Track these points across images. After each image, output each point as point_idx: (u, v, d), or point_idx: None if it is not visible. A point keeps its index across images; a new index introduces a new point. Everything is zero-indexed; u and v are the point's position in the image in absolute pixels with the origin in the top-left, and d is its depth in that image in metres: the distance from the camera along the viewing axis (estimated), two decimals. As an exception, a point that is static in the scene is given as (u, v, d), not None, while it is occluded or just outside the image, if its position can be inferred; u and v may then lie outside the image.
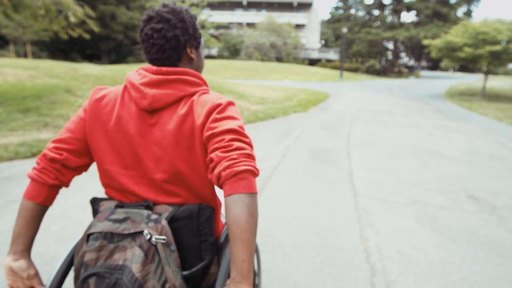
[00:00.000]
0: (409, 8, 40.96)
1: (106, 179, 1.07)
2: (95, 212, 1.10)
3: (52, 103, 6.92)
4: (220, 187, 0.90)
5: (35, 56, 29.64)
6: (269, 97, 12.17)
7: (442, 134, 7.75)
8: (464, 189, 4.15)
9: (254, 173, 0.90)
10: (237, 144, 0.92)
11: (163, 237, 0.93)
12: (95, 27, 7.76)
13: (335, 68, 39.10)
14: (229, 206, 0.86)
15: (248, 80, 20.33)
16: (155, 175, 1.01)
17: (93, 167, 1.13)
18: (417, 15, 41.64)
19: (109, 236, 0.94)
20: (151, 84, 1.00)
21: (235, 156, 0.89)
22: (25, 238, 0.99)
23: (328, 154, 5.42)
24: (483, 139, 7.41)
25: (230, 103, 1.03)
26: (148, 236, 0.91)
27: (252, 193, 0.87)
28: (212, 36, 44.80)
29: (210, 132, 0.94)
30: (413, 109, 12.17)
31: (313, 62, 44.63)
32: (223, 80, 15.07)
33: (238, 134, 0.95)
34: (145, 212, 0.98)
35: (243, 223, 0.83)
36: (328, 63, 42.05)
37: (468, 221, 3.29)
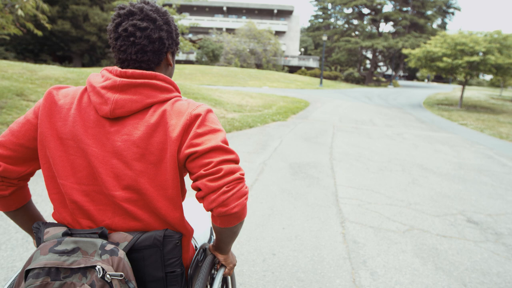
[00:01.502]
0: (387, 18, 41.63)
1: (56, 195, 0.94)
2: (38, 241, 0.93)
3: (-1, 108, 6.08)
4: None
5: (0, 57, 28.09)
6: (246, 104, 11.60)
7: (427, 145, 7.37)
8: (462, 211, 3.67)
9: (246, 204, 0.89)
10: (225, 167, 0.85)
11: (120, 273, 0.79)
12: (46, 24, 6.96)
13: (315, 75, 39.10)
14: (217, 231, 0.96)
15: (226, 87, 19.73)
16: (114, 192, 0.88)
17: None
18: (395, 25, 42.39)
19: (54, 272, 0.78)
20: (114, 88, 0.88)
21: (225, 189, 0.83)
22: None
23: (310, 170, 4.87)
24: (469, 151, 7.08)
25: (209, 111, 0.93)
26: (101, 273, 0.77)
27: (241, 221, 0.92)
28: (191, 41, 44.21)
29: (192, 150, 0.85)
30: (395, 119, 11.89)
31: (292, 70, 44.61)
32: (199, 86, 14.40)
33: (224, 152, 0.87)
34: (99, 241, 0.84)
35: (229, 241, 1.03)
36: (307, 71, 42.05)
37: (475, 254, 2.78)
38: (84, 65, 35.93)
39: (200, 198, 0.88)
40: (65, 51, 35.36)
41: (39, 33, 6.90)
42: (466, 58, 15.20)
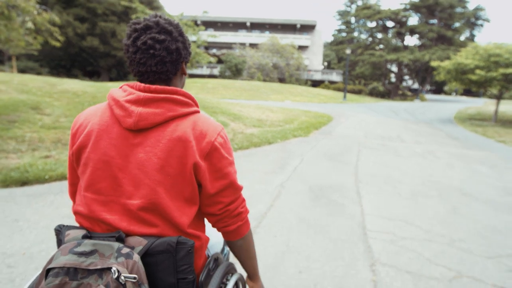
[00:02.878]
0: (412, 31, 40.61)
1: (77, 207, 1.00)
2: (59, 242, 0.98)
3: (10, 122, 5.92)
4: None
5: (34, 72, 29.14)
6: (267, 119, 11.18)
7: (464, 166, 6.66)
8: (518, 251, 3.04)
9: (244, 220, 1.09)
10: (232, 207, 1.03)
11: (134, 275, 0.82)
12: (59, 36, 6.85)
13: (338, 89, 38.41)
14: (228, 245, 1.12)
15: (248, 101, 19.45)
16: (131, 200, 0.93)
17: None
18: (421, 38, 41.26)
19: (73, 272, 0.82)
20: (138, 101, 0.94)
21: (227, 220, 1.04)
22: None
23: (333, 194, 4.34)
24: (513, 173, 6.32)
25: (225, 141, 1.02)
26: (116, 274, 0.80)
27: (243, 236, 1.09)
28: (214, 55, 44.66)
29: (209, 189, 0.98)
30: (424, 135, 11.13)
31: (316, 84, 44.06)
32: (219, 100, 14.14)
33: (234, 191, 1.04)
34: (116, 244, 0.87)
35: (246, 255, 1.14)
36: (331, 85, 41.40)
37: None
38: (111, 80, 36.82)
39: (210, 221, 1.08)
40: (94, 66, 36.46)
41: (57, 44, 6.78)
42: (502, 70, 14.23)
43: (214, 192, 0.98)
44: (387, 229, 3.34)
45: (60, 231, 0.98)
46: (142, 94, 0.93)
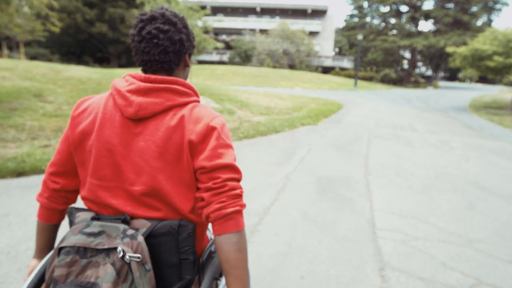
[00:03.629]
0: (427, 16, 39.40)
1: (84, 192, 1.03)
2: (71, 223, 1.04)
3: (11, 110, 5.81)
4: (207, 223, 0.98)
5: (45, 59, 29.20)
6: (275, 106, 10.92)
7: (480, 157, 6.36)
8: (541, 253, 2.80)
9: (241, 211, 0.95)
10: (230, 184, 0.94)
11: (138, 255, 0.87)
12: (57, 22, 6.64)
13: (349, 76, 37.68)
14: (219, 245, 0.92)
15: (257, 88, 19.15)
16: (134, 186, 0.96)
17: None
18: (436, 23, 40.04)
19: (82, 251, 0.87)
20: (138, 91, 0.96)
21: (224, 199, 0.92)
22: (48, 248, 1.14)
23: (341, 187, 4.12)
24: (533, 166, 6.00)
25: (223, 126, 1.01)
26: (121, 254, 0.85)
27: (239, 230, 0.93)
28: (224, 42, 44.13)
29: (204, 164, 0.94)
30: (438, 124, 10.76)
31: (326, 70, 43.30)
32: (227, 87, 13.88)
33: (233, 171, 0.96)
34: (122, 226, 0.92)
35: (232, 260, 0.91)
36: (341, 72, 40.64)
37: None
38: (121, 66, 36.69)
39: (200, 208, 0.96)
40: (103, 52, 36.31)
41: (56, 30, 6.58)
42: (521, 57, 13.66)
43: (210, 168, 0.94)
44: (398, 227, 3.13)
45: (71, 213, 1.03)
46: (142, 84, 0.96)
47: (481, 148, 7.27)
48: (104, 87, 8.25)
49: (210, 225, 1.24)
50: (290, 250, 2.60)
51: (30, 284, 0.98)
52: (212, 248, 1.15)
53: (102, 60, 37.74)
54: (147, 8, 11.57)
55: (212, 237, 1.20)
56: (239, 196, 0.95)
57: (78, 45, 33.98)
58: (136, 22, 1.01)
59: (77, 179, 1.07)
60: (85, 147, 1.00)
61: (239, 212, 0.94)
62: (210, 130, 0.96)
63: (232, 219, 0.91)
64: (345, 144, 6.66)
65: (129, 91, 0.96)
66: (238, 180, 0.97)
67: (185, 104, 0.99)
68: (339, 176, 4.55)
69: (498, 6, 39.58)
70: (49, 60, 29.24)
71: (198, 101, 1.05)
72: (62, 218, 1.14)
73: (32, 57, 27.98)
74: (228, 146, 0.99)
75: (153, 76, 0.98)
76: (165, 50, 0.99)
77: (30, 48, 31.09)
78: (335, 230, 2.97)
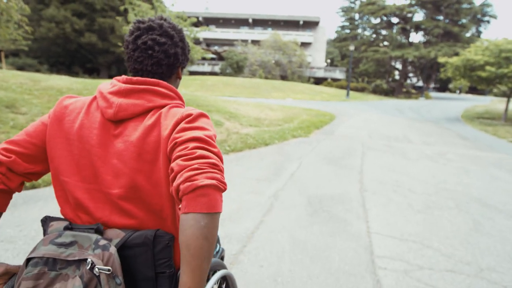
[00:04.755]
0: (417, 27, 39.78)
1: (61, 191, 0.99)
2: (44, 233, 0.98)
3: (-22, 122, 5.36)
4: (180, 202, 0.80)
5: (33, 69, 28.70)
6: (265, 117, 10.58)
7: (479, 170, 6.05)
8: (562, 284, 2.44)
9: (219, 187, 0.78)
10: (200, 152, 0.82)
11: (108, 267, 0.81)
12: (26, 27, 6.26)
13: (341, 87, 37.68)
14: (182, 226, 0.76)
15: (248, 99, 18.84)
16: (111, 189, 0.92)
17: None
18: (426, 34, 40.43)
19: (51, 262, 0.83)
20: (119, 93, 0.95)
21: (196, 166, 0.78)
22: None
23: (334, 207, 3.74)
24: (535, 179, 5.70)
25: (202, 115, 0.96)
26: (89, 266, 0.80)
27: (212, 212, 0.76)
28: (216, 53, 44.05)
29: (174, 141, 0.87)
30: (432, 135, 10.51)
31: (318, 81, 43.33)
32: (216, 98, 13.54)
33: (204, 142, 0.86)
34: (94, 236, 0.87)
35: (193, 248, 0.74)
36: (334, 82, 40.66)
37: None
38: (111, 77, 36.20)
39: (171, 181, 0.82)
40: (93, 63, 35.85)
41: (29, 29, 6.17)
42: (514, 67, 13.59)
43: (180, 141, 0.85)
44: (400, 254, 2.75)
45: (45, 222, 0.98)
46: (123, 86, 0.95)
47: (479, 160, 6.98)
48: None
49: None
50: (275, 285, 2.20)
51: None
52: None
53: (92, 70, 37.26)
54: (131, 16, 11.31)
55: None
56: (215, 166, 0.80)
57: (67, 56, 33.50)
58: (133, 29, 0.99)
59: (31, 165, 0.97)
60: (63, 144, 0.95)
61: (215, 188, 0.77)
62: (185, 117, 0.91)
63: (204, 196, 0.75)
64: (338, 157, 6.31)
65: (111, 93, 0.95)
66: (213, 152, 0.84)
67: (166, 106, 0.95)
68: (332, 194, 4.18)
69: (486, 18, 40.23)
70: (37, 70, 28.72)
71: (182, 105, 1.01)
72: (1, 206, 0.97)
73: (20, 68, 27.42)
74: (202, 128, 0.90)
75: (135, 78, 0.97)
76: (159, 63, 0.99)
77: (17, 59, 30.56)
78: (328, 260, 2.58)
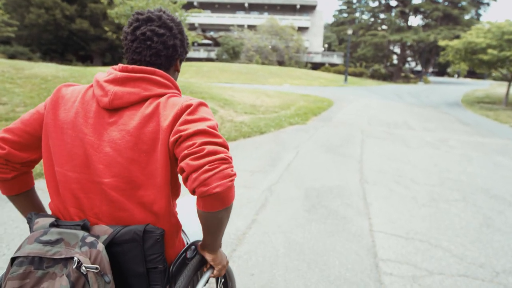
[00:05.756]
0: (416, 10, 39.08)
1: (52, 182, 0.98)
2: (30, 230, 0.97)
3: (-47, 113, 5.03)
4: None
5: (25, 57, 28.04)
6: (261, 104, 10.24)
7: (483, 157, 5.79)
8: None
9: (231, 186, 0.84)
10: (209, 147, 0.84)
11: (95, 266, 0.80)
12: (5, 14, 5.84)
13: (339, 72, 37.19)
14: (202, 217, 0.90)
15: (244, 85, 18.44)
16: (103, 178, 0.90)
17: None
18: (426, 17, 39.75)
19: (37, 261, 0.81)
20: (115, 81, 0.94)
21: (207, 167, 0.81)
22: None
23: (333, 201, 3.48)
24: (543, 167, 5.45)
25: (201, 104, 0.96)
26: (76, 264, 0.79)
27: (226, 207, 0.86)
28: (211, 38, 43.24)
29: (178, 135, 0.87)
30: (432, 120, 10.23)
31: (316, 66, 42.74)
32: (210, 85, 13.16)
33: (209, 135, 0.87)
34: (81, 233, 0.86)
35: (213, 230, 0.94)
36: (331, 67, 40.10)
37: None
38: (105, 64, 35.50)
39: (184, 181, 0.86)
40: (86, 50, 35.06)
41: (5, 16, 5.75)
42: (516, 50, 13.22)
43: (185, 135, 0.86)
44: (406, 256, 2.49)
45: (31, 219, 0.96)
46: (119, 74, 0.94)
47: (482, 147, 6.72)
48: (71, 85, 7.47)
49: (187, 230, 1.19)
50: (268, 299, 1.94)
51: None
52: (188, 254, 1.06)
53: (86, 58, 36.50)
54: (120, 7, 10.88)
55: (189, 241, 1.15)
56: (225, 160, 0.83)
57: (59, 43, 32.69)
58: (132, 21, 0.99)
59: (25, 153, 0.99)
60: (57, 133, 0.94)
61: (228, 188, 0.82)
62: (185, 108, 0.90)
63: (219, 199, 0.82)
64: (336, 145, 6.03)
65: (107, 81, 0.94)
66: (220, 144, 0.86)
67: (163, 95, 0.94)
68: (330, 186, 3.91)
69: (486, 0, 39.53)
70: (30, 58, 28.01)
71: (179, 94, 1.00)
72: (25, 186, 1.05)
73: (11, 56, 26.71)
74: (204, 119, 0.90)
75: (131, 66, 0.96)
76: (157, 53, 0.99)
77: (8, 47, 29.83)
78: (327, 266, 2.31)
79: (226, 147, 0.88)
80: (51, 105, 0.97)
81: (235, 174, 0.85)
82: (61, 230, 0.85)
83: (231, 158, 0.86)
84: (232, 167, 0.85)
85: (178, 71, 1.11)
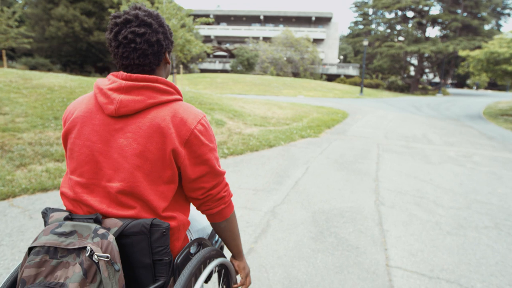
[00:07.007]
0: (434, 21, 38.33)
1: (62, 188, 1.04)
2: (45, 224, 1.02)
3: (-50, 124, 4.86)
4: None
5: (45, 69, 28.73)
6: (272, 116, 9.89)
7: (514, 176, 5.26)
8: None
9: (226, 207, 1.11)
10: (213, 192, 1.05)
11: (106, 254, 0.85)
12: (23, 27, 5.73)
13: (355, 84, 36.66)
14: (214, 229, 1.17)
15: (257, 96, 18.20)
16: (111, 183, 0.96)
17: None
18: (444, 28, 38.92)
19: (52, 251, 0.86)
20: (120, 89, 0.97)
21: (210, 204, 1.07)
22: None
23: (345, 227, 3.06)
24: None
25: (205, 129, 1.02)
26: (88, 253, 0.84)
27: (225, 219, 1.12)
28: (227, 50, 43.46)
29: (189, 174, 0.99)
30: (454, 134, 9.65)
31: (331, 78, 42.34)
32: (220, 95, 12.90)
33: (215, 176, 1.04)
34: (93, 226, 0.91)
35: (224, 236, 1.16)
36: (347, 79, 39.61)
37: None
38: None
39: (194, 203, 1.09)
40: (104, 62, 35.72)
41: (23, 28, 5.66)
42: (543, 60, 12.55)
43: (194, 177, 1.00)
44: (431, 301, 2.06)
45: (46, 214, 0.99)
46: (124, 82, 0.96)
47: (511, 164, 6.16)
48: (76, 95, 7.31)
49: (191, 228, 1.29)
50: None
51: (3, 285, 0.93)
52: (192, 250, 1.12)
53: (103, 69, 37.17)
54: (125, 7, 10.80)
55: (192, 237, 1.25)
56: (223, 196, 1.08)
57: (78, 55, 33.41)
58: (111, 26, 0.99)
59: None
60: (68, 146, 1.00)
61: (224, 208, 1.09)
62: (193, 137, 0.97)
63: (218, 214, 1.09)
64: (350, 161, 5.60)
65: (111, 89, 0.96)
66: (221, 181, 1.06)
67: (167, 103, 0.98)
68: (341, 209, 3.49)
69: (506, 11, 38.47)
70: (50, 69, 28.65)
71: (181, 99, 1.04)
72: None
73: (32, 67, 27.37)
74: (211, 150, 1.02)
75: (134, 75, 0.98)
76: (144, 54, 0.98)
77: (30, 58, 30.63)
78: (334, 313, 1.91)
79: (223, 174, 1.07)
80: (63, 123, 1.03)
81: (231, 195, 1.11)
82: (74, 223, 0.90)
83: (227, 185, 1.10)
84: (229, 193, 1.10)
85: (168, 63, 1.11)
